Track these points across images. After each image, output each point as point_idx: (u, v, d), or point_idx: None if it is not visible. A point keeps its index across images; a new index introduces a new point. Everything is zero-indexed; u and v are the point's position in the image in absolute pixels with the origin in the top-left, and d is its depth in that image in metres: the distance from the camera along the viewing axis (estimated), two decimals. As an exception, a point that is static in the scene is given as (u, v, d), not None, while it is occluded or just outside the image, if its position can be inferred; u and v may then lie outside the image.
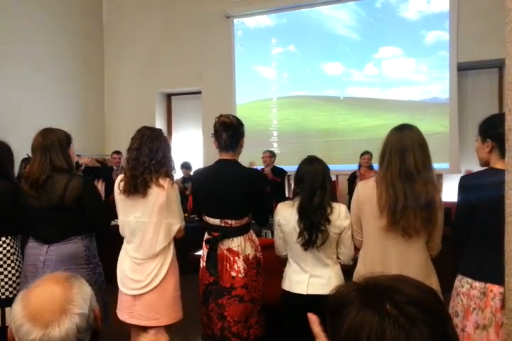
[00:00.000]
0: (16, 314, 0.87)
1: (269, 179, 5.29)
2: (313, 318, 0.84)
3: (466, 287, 1.72)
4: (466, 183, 1.81)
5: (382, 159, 1.83)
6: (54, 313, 0.85)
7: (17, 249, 2.32)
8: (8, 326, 2.29)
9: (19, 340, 0.85)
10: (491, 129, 1.76)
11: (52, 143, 2.12)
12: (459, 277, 1.78)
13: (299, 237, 1.96)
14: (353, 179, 5.23)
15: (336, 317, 0.66)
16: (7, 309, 2.22)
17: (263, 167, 5.47)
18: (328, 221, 1.94)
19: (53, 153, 2.11)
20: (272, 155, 5.55)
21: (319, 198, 1.94)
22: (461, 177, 1.85)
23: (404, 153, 1.75)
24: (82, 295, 0.91)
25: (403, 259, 1.78)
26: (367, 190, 1.85)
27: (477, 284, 1.68)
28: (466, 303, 1.70)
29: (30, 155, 2.24)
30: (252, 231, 2.20)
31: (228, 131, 2.11)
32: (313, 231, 1.93)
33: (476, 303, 1.67)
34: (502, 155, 1.77)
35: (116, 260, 2.26)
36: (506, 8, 1.16)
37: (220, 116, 2.15)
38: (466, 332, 1.69)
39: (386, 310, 0.62)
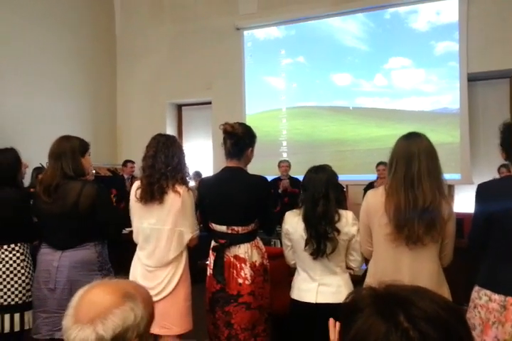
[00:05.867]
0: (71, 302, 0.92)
1: (288, 191, 4.99)
2: (332, 324, 0.81)
3: (484, 299, 1.67)
4: (483, 191, 1.75)
5: (390, 167, 1.81)
6: (85, 317, 0.87)
7: (27, 255, 2.34)
8: (17, 331, 2.29)
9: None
10: (501, 136, 1.74)
11: (64, 151, 2.15)
12: (477, 288, 1.72)
13: (306, 245, 1.95)
14: (369, 189, 5.11)
15: (347, 321, 0.65)
16: (16, 315, 2.24)
17: (278, 177, 5.29)
18: (337, 230, 1.93)
19: (64, 161, 2.14)
20: (289, 164, 5.42)
21: (323, 207, 1.91)
22: (478, 185, 1.79)
23: (410, 161, 1.72)
24: (118, 320, 0.86)
25: (415, 268, 1.74)
26: (376, 198, 1.83)
27: (496, 297, 1.62)
28: (485, 317, 1.64)
29: (43, 164, 2.29)
30: (258, 238, 2.19)
31: (232, 139, 2.13)
32: (321, 239, 1.91)
33: (495, 317, 1.62)
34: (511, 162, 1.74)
35: (128, 267, 2.26)
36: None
37: (225, 123, 2.15)
38: None
39: (398, 322, 0.59)
